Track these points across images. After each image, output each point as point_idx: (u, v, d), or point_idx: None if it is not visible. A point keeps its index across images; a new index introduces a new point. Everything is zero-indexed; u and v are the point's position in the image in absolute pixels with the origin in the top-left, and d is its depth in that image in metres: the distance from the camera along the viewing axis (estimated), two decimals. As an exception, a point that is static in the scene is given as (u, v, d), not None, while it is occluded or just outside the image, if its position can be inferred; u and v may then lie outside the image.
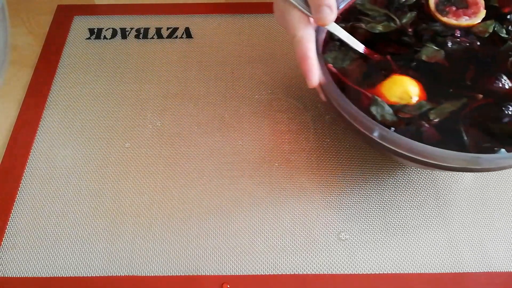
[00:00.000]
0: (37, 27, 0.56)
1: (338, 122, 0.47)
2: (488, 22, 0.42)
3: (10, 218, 0.41)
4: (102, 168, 0.44)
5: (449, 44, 0.41)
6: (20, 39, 0.55)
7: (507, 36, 0.41)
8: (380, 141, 0.35)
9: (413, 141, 0.33)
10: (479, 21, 0.42)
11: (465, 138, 0.36)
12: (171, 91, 0.50)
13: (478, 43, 0.41)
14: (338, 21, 0.43)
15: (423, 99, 0.38)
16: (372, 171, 0.44)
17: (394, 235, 0.41)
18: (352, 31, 0.42)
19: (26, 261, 0.39)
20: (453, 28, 0.42)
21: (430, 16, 0.43)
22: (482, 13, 0.42)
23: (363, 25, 0.43)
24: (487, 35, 0.41)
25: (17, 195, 0.43)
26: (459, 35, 0.41)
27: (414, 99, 0.38)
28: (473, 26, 0.42)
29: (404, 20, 0.43)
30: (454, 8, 0.43)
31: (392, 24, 0.42)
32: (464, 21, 0.42)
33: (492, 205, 0.42)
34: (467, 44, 0.41)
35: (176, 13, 0.57)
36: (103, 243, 0.40)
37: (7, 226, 0.41)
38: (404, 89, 0.38)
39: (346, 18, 0.44)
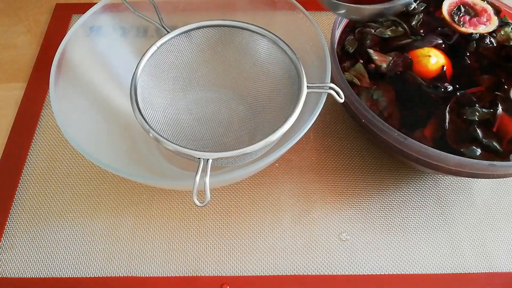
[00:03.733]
0: (36, 26, 0.56)
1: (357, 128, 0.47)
2: (506, 29, 0.43)
3: (8, 219, 0.41)
4: (101, 168, 0.44)
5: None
6: (19, 38, 0.55)
7: None
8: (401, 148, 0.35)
9: (433, 148, 0.34)
10: (495, 28, 0.43)
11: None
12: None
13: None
14: (347, 27, 0.44)
15: (449, 68, 0.40)
16: (373, 171, 0.44)
17: (395, 236, 0.41)
18: (361, 37, 0.43)
19: (24, 262, 0.39)
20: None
21: (445, 25, 0.44)
22: (495, 19, 0.43)
23: (372, 30, 0.43)
24: (511, 43, 0.42)
25: (16, 196, 0.42)
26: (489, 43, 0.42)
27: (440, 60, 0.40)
28: (494, 33, 0.43)
29: (413, 22, 0.44)
30: (468, 17, 0.43)
31: (400, 29, 0.43)
32: (482, 29, 0.43)
33: (493, 206, 0.42)
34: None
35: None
36: (102, 244, 0.40)
37: (6, 227, 0.41)
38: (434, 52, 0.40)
39: (354, 24, 0.44)
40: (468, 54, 0.41)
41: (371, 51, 0.41)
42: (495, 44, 0.42)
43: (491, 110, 0.37)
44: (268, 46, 0.37)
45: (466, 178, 0.44)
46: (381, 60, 0.40)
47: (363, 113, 0.36)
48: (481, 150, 0.36)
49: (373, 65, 0.41)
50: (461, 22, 0.43)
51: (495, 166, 0.33)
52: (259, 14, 0.44)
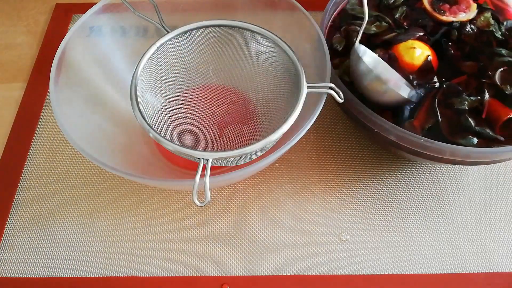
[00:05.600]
0: (36, 26, 0.56)
1: (354, 124, 0.47)
2: (486, 15, 0.43)
3: (8, 219, 0.41)
4: (101, 168, 0.44)
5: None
6: (19, 38, 0.55)
7: (502, 38, 0.42)
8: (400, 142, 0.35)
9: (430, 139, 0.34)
10: (474, 15, 0.43)
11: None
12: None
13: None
14: (332, 26, 0.44)
15: (434, 59, 0.40)
16: (373, 171, 0.44)
17: (395, 236, 0.41)
18: (347, 34, 0.43)
19: (24, 262, 0.39)
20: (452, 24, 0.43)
21: (427, 15, 0.44)
22: (474, 6, 0.44)
23: (357, 28, 0.43)
24: (491, 28, 0.42)
25: (16, 196, 0.42)
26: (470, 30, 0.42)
27: (430, 57, 0.40)
28: (475, 20, 0.43)
29: (397, 15, 0.44)
30: (448, 6, 0.44)
31: (384, 23, 0.43)
32: (462, 17, 0.43)
33: (493, 206, 0.42)
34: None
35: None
36: (102, 244, 0.40)
37: (6, 227, 0.41)
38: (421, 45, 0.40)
39: (338, 23, 0.44)
40: (450, 43, 0.42)
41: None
42: (475, 31, 0.42)
43: (479, 97, 0.38)
44: (268, 46, 0.37)
45: (466, 178, 0.44)
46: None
47: (374, 121, 0.36)
48: (476, 138, 0.36)
49: None
50: (442, 11, 0.44)
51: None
52: (259, 14, 0.44)
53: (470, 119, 0.37)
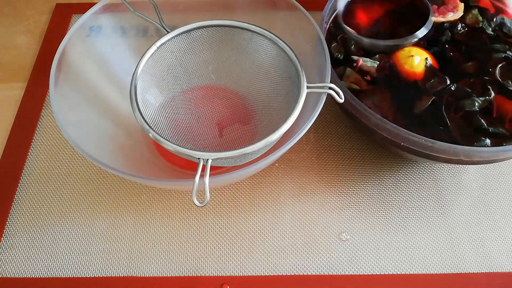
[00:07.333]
0: (36, 26, 0.56)
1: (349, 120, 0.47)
2: (473, 12, 0.43)
3: (8, 219, 0.41)
4: (101, 168, 0.44)
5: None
6: (19, 38, 0.55)
7: (493, 33, 0.42)
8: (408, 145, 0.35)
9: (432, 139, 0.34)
10: (462, 14, 0.44)
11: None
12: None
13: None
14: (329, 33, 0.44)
15: (434, 64, 0.40)
16: (373, 171, 0.44)
17: (396, 236, 0.41)
18: (343, 43, 0.43)
19: (24, 262, 0.39)
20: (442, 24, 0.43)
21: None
22: (461, 6, 0.44)
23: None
24: (480, 24, 0.43)
25: (16, 195, 0.43)
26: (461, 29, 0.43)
27: (429, 61, 0.40)
28: (463, 18, 0.43)
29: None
30: (436, 7, 0.44)
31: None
32: (450, 16, 0.43)
33: (494, 206, 0.42)
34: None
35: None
36: (102, 244, 0.40)
37: (6, 227, 0.41)
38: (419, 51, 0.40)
39: (333, 32, 0.44)
40: (447, 45, 0.42)
41: (355, 57, 0.41)
42: (466, 29, 0.42)
43: (487, 97, 0.38)
44: (268, 46, 0.37)
45: (466, 178, 0.44)
46: (369, 67, 0.41)
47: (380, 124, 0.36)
48: (489, 139, 0.36)
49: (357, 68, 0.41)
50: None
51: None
52: (259, 14, 0.44)
53: (482, 120, 0.37)
